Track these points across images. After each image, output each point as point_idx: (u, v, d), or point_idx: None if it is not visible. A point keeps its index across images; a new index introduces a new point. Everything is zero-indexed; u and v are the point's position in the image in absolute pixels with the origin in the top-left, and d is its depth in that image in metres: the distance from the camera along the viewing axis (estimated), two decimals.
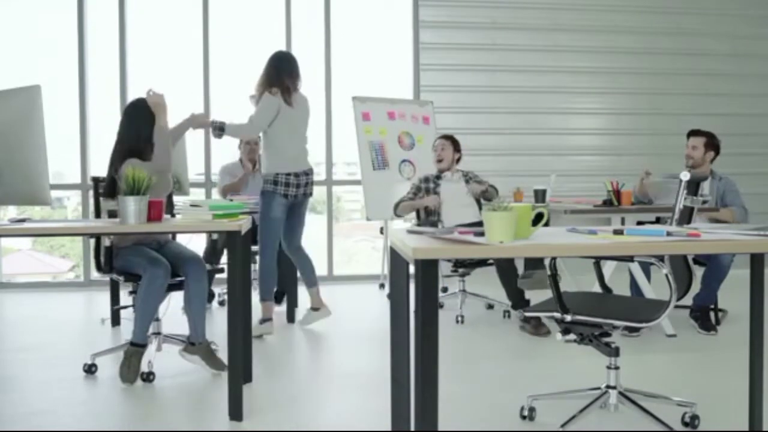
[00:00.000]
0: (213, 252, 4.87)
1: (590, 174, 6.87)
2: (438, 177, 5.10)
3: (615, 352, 2.70)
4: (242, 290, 3.13)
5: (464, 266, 4.95)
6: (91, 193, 6.46)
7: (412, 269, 1.95)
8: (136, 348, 3.42)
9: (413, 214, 5.18)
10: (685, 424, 2.76)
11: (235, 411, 2.87)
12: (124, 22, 6.66)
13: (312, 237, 5.21)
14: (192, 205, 3.01)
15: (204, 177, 6.76)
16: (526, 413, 2.85)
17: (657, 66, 7.26)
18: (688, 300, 4.04)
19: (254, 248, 4.66)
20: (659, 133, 7.14)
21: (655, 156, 6.93)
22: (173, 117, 3.70)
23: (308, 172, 4.43)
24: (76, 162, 6.66)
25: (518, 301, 4.57)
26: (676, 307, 2.69)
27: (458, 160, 5.14)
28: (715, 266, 4.38)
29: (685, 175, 2.79)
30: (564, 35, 7.15)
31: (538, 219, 2.07)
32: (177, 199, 4.03)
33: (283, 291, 5.19)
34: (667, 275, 2.55)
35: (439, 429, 1.87)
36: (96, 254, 3.69)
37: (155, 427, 2.84)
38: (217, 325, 4.61)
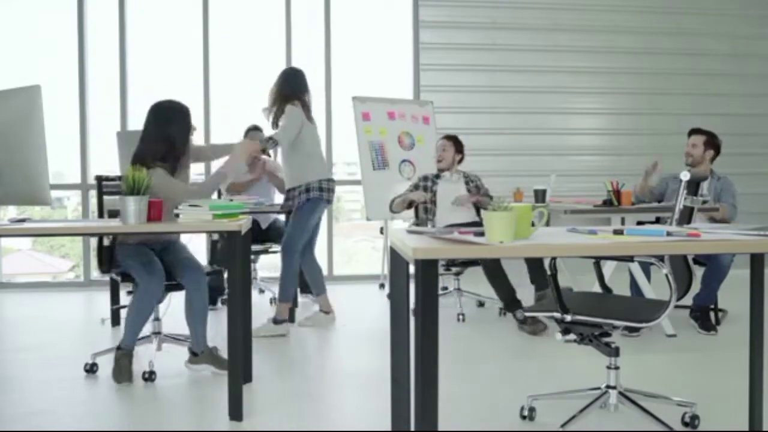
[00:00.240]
0: (214, 252, 4.87)
1: (590, 174, 6.86)
2: (437, 176, 5.11)
3: (615, 352, 2.70)
4: (242, 290, 3.13)
5: (455, 265, 4.97)
6: (91, 193, 6.50)
7: (412, 269, 1.95)
8: (123, 351, 3.43)
9: (413, 214, 5.19)
10: (685, 424, 2.76)
11: (235, 411, 2.87)
12: (124, 22, 6.66)
13: None
14: (192, 205, 3.01)
15: (203, 178, 6.75)
16: (526, 413, 2.85)
17: (657, 66, 7.26)
18: (688, 300, 4.03)
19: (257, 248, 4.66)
20: (659, 133, 7.14)
21: (655, 156, 6.93)
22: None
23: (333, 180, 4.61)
24: (76, 162, 6.66)
25: (510, 302, 4.57)
26: (676, 307, 2.69)
27: (460, 161, 5.14)
28: (715, 266, 4.38)
29: (685, 175, 2.78)
30: (564, 35, 7.15)
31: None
32: None
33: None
34: (667, 275, 2.55)
35: (439, 429, 1.87)
36: (99, 253, 3.70)
37: (155, 427, 2.84)
38: (223, 325, 4.61)
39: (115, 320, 4.70)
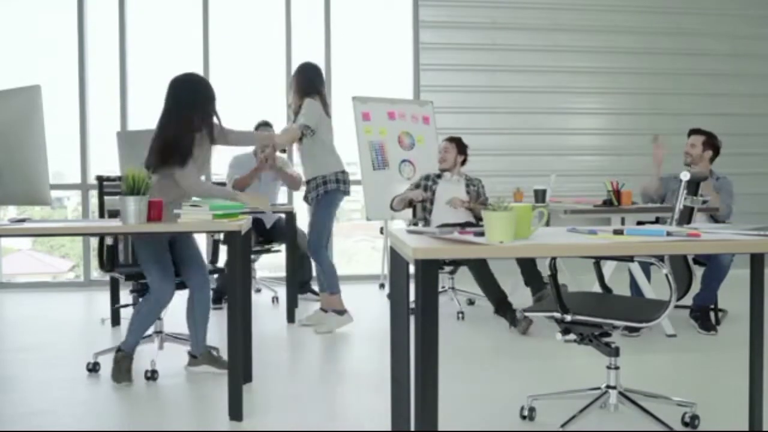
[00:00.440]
0: (216, 252, 4.87)
1: (590, 174, 6.86)
2: (438, 176, 5.12)
3: (615, 352, 2.70)
4: (242, 290, 3.13)
5: (447, 264, 4.97)
6: (91, 192, 6.50)
7: (412, 269, 1.95)
8: (124, 353, 3.42)
9: (411, 213, 5.20)
10: (685, 424, 2.76)
11: (235, 411, 2.87)
12: (124, 22, 6.66)
13: None
14: (192, 205, 3.01)
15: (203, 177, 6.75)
16: (526, 413, 2.85)
17: (657, 66, 7.26)
18: (688, 300, 4.03)
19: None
20: (659, 133, 7.12)
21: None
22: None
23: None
24: (76, 162, 6.66)
25: (500, 303, 4.57)
26: (676, 307, 2.69)
27: (463, 163, 5.15)
28: (715, 266, 4.38)
29: (685, 175, 2.78)
30: (564, 35, 7.15)
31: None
32: None
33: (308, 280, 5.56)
34: (667, 275, 2.55)
35: (439, 429, 1.87)
36: (99, 253, 3.69)
37: (155, 427, 2.84)
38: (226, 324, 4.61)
39: (115, 320, 4.70)
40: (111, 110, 6.65)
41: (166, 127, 3.35)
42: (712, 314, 4.52)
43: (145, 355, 3.63)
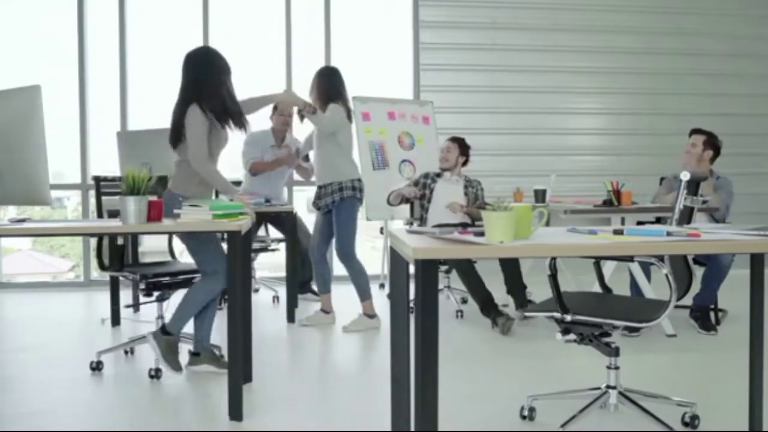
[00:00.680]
0: None
1: (590, 174, 6.86)
2: (438, 175, 5.12)
3: (615, 352, 2.70)
4: (242, 290, 3.13)
5: (442, 263, 4.97)
6: (90, 192, 6.50)
7: (412, 269, 1.95)
8: (169, 336, 3.40)
9: (408, 211, 5.21)
10: (685, 424, 2.76)
11: (235, 411, 2.87)
12: (124, 22, 6.66)
13: None
14: (191, 205, 3.01)
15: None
16: (526, 413, 2.85)
17: (657, 66, 7.26)
18: (688, 300, 4.04)
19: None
20: (659, 133, 7.14)
21: (655, 156, 6.94)
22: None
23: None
24: (76, 162, 6.66)
25: (485, 304, 4.57)
26: (676, 307, 2.69)
27: (465, 163, 5.15)
28: (715, 266, 4.38)
29: (685, 175, 2.79)
30: (564, 35, 7.15)
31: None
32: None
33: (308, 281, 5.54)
34: (667, 275, 2.55)
35: (439, 429, 1.87)
36: (98, 253, 3.69)
37: (155, 427, 2.84)
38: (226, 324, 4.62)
39: (115, 320, 4.70)
40: (111, 110, 6.65)
41: (181, 104, 3.39)
42: (712, 314, 4.52)
43: (148, 354, 3.63)
